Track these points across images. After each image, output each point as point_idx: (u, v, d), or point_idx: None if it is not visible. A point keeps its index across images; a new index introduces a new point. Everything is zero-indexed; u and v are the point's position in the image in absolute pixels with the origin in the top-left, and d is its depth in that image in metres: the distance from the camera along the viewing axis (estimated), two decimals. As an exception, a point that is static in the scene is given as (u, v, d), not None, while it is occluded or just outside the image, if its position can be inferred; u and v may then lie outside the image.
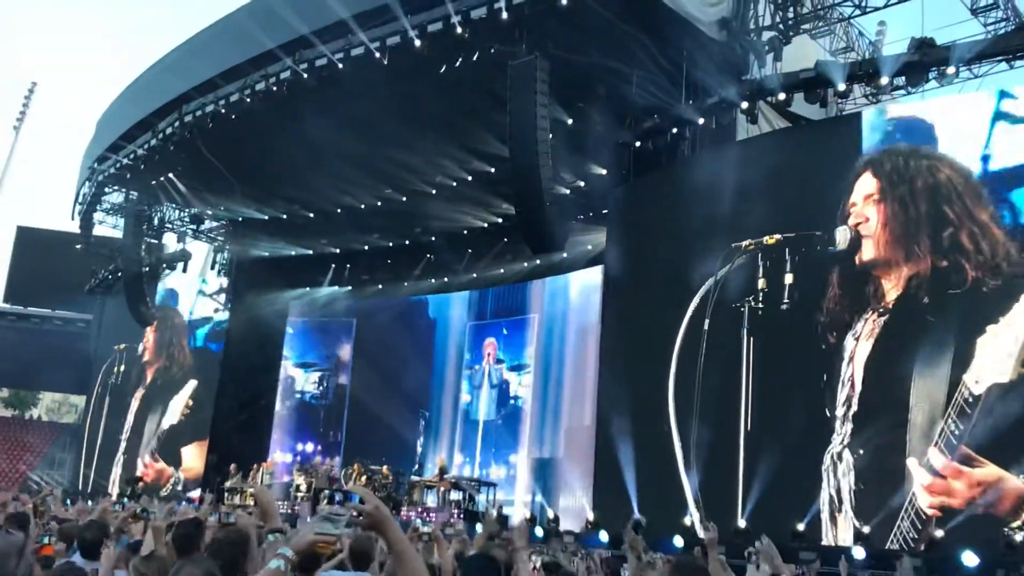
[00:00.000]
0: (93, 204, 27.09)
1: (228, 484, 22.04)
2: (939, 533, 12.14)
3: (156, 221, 27.49)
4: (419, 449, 25.24)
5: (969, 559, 11.32)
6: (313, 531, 2.58)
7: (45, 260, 34.46)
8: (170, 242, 29.09)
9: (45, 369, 34.20)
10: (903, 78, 15.43)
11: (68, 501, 21.04)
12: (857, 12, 16.97)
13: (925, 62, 14.95)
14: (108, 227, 28.62)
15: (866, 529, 12.83)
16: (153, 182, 24.09)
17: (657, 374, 16.48)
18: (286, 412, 27.69)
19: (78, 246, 30.14)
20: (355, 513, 2.56)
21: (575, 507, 19.67)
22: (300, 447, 26.97)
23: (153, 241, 27.75)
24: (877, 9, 16.61)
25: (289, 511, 19.15)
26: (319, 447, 26.85)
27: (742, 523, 14.02)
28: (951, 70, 14.74)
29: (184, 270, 29.25)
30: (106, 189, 26.60)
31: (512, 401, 23.70)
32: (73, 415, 38.66)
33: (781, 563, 4.72)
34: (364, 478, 20.81)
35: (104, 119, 26.15)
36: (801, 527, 13.39)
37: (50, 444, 35.16)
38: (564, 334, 22.72)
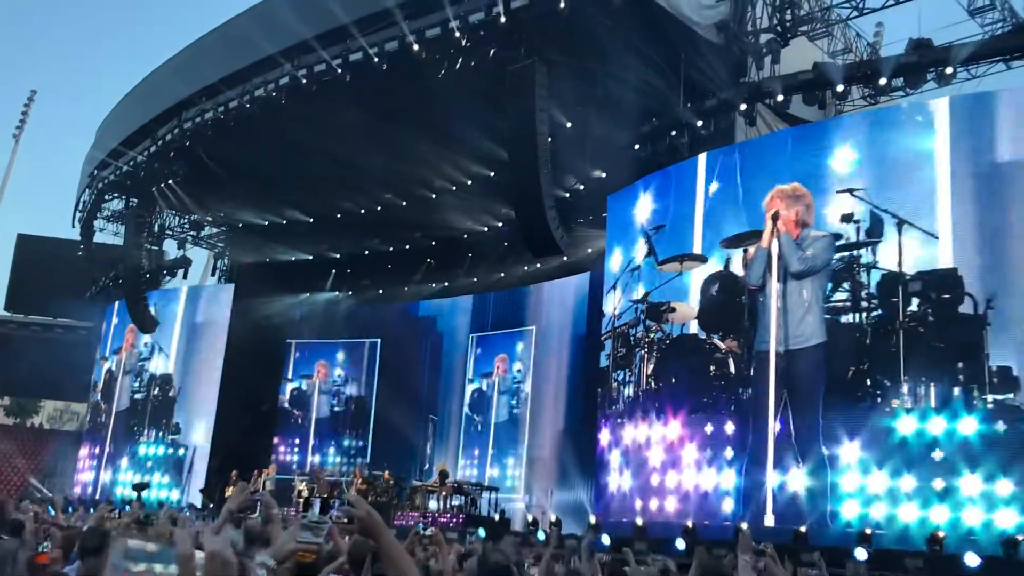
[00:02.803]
0: (93, 211, 27.15)
1: (230, 491, 22.03)
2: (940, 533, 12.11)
3: (156, 228, 27.50)
4: (428, 453, 25.40)
5: (971, 559, 11.30)
6: (295, 539, 2.56)
7: (46, 268, 34.43)
8: (170, 249, 29.12)
9: (46, 377, 34.16)
10: (901, 79, 15.45)
11: (70, 508, 21.05)
12: (855, 14, 16.99)
13: (923, 63, 14.97)
14: (109, 234, 28.62)
15: (868, 531, 12.80)
16: (153, 189, 24.12)
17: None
18: (305, 420, 27.95)
19: (79, 253, 30.12)
20: (347, 519, 2.57)
21: (577, 508, 19.64)
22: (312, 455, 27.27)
23: (153, 248, 27.74)
24: (875, 10, 16.64)
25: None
26: (338, 454, 27.20)
27: (744, 525, 13.99)
28: (949, 71, 14.75)
29: (185, 277, 29.28)
30: (106, 196, 26.65)
31: (515, 406, 23.83)
32: (75, 423, 38.66)
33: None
34: (364, 484, 20.80)
35: (104, 126, 26.23)
36: (803, 528, 13.35)
37: (52, 452, 35.14)
38: (565, 336, 22.85)
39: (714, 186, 16.09)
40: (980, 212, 13.27)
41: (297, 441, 27.81)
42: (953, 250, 13.26)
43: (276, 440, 27.73)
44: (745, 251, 15.39)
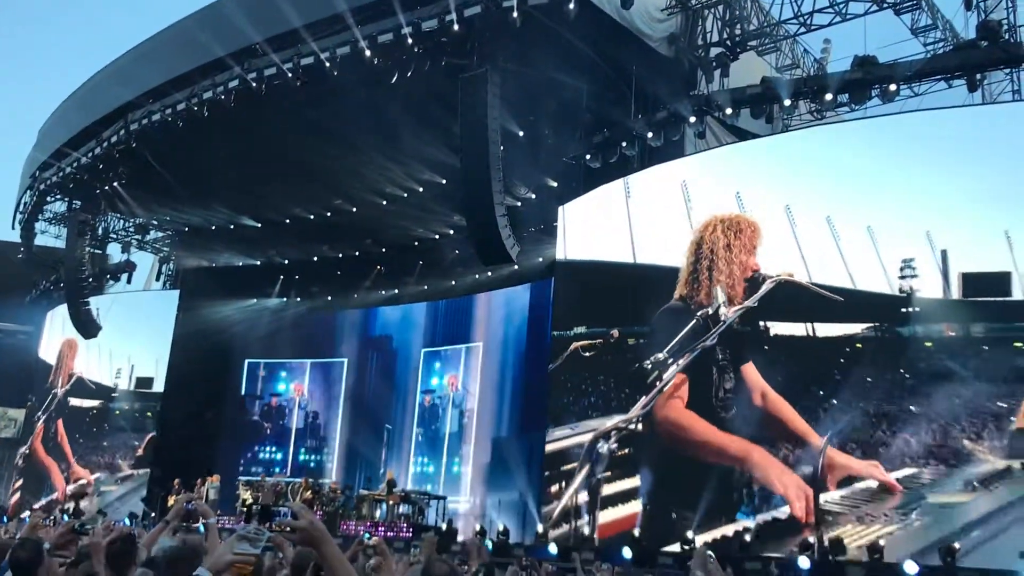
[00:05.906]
0: (35, 213, 26.51)
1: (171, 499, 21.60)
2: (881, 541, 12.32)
3: (100, 231, 26.96)
4: (382, 462, 25.32)
5: (910, 567, 11.51)
6: (232, 551, 2.51)
7: (-16, 270, 33.54)
8: (114, 252, 28.55)
9: (-17, 381, 33.25)
10: (847, 95, 15.74)
11: (4, 519, 20.52)
12: (802, 30, 17.27)
13: (868, 80, 15.27)
14: (51, 237, 28.01)
15: (811, 539, 12.97)
16: (97, 191, 23.65)
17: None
18: (257, 430, 27.76)
19: (19, 256, 29.44)
20: (289, 529, 2.53)
21: (526, 518, 19.62)
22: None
23: (97, 251, 27.17)
24: (822, 27, 16.94)
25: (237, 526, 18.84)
26: (297, 464, 27.06)
27: (690, 534, 14.09)
28: (893, 88, 15.07)
29: (128, 281, 28.71)
30: (48, 198, 26.05)
31: (463, 417, 23.87)
32: (12, 429, 37.68)
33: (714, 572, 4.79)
34: (309, 493, 20.53)
35: (47, 126, 25.62)
36: (748, 537, 13.49)
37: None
38: (510, 346, 22.99)
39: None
40: None
41: (264, 451, 27.61)
42: None
43: (246, 452, 27.45)
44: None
